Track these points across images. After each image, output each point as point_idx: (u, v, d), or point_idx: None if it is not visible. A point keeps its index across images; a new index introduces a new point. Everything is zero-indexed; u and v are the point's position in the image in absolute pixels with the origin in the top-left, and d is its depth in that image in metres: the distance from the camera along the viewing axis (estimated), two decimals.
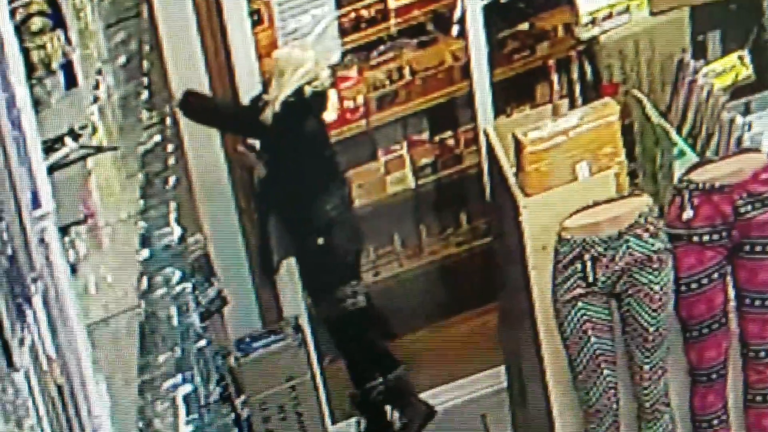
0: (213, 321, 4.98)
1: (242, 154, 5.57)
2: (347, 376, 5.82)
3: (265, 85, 5.42)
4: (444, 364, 6.03)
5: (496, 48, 5.85)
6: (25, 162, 2.22)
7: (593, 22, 5.55)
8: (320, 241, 5.45)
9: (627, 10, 5.52)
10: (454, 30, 5.83)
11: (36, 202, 2.28)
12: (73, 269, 2.83)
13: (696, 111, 4.81)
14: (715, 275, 4.52)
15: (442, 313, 6.19)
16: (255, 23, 5.50)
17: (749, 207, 4.46)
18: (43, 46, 3.30)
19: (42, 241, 2.29)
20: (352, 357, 5.80)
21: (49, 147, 3.01)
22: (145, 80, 4.16)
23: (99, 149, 3.30)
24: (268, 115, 5.29)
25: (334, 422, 5.92)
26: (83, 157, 3.15)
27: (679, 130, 4.81)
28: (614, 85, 5.52)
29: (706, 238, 4.48)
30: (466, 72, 5.86)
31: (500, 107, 5.87)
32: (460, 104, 6.00)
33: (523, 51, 5.93)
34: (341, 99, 5.79)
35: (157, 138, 4.01)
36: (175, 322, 3.54)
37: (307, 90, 5.30)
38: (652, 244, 4.42)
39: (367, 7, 5.72)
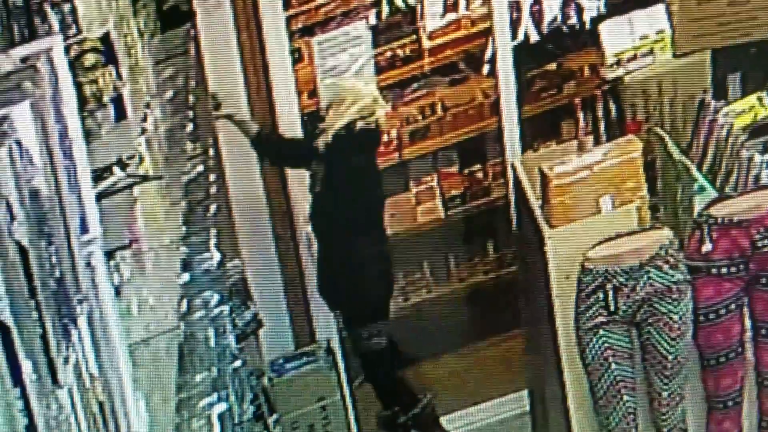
0: (248, 343, 4.97)
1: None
2: (375, 397, 5.84)
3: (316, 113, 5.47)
4: (469, 388, 6.05)
5: (524, 86, 5.90)
6: (75, 189, 2.25)
7: (618, 63, 5.59)
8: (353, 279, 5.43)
9: (651, 52, 5.57)
10: (485, 69, 5.89)
11: (84, 228, 2.30)
12: (117, 291, 2.84)
13: (716, 149, 4.85)
14: (733, 306, 4.58)
15: (468, 338, 6.19)
16: (296, 61, 5.59)
17: (766, 241, 4.51)
18: (95, 81, 3.33)
19: (89, 264, 2.32)
20: (378, 385, 5.84)
21: (98, 175, 3.05)
22: (191, 114, 4.20)
23: (145, 178, 3.34)
24: (320, 143, 5.34)
25: None
26: (130, 186, 3.19)
27: (699, 167, 4.86)
28: (638, 123, 5.56)
29: (724, 270, 4.54)
30: (495, 109, 5.91)
31: (528, 142, 5.91)
32: (489, 139, 6.04)
33: (550, 90, 5.97)
34: None
35: (200, 168, 4.05)
36: (212, 343, 3.58)
37: (359, 125, 5.32)
38: (672, 276, 4.49)
39: (402, 46, 5.79)
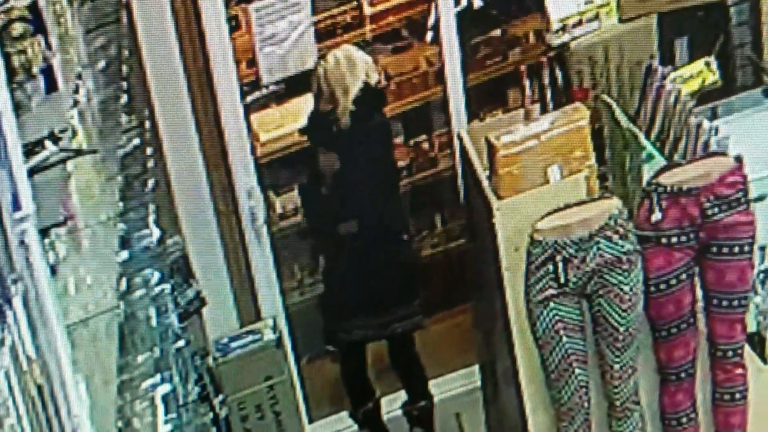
0: (192, 321, 4.96)
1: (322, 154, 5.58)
2: (326, 376, 5.85)
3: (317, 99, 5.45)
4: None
5: (469, 54, 5.88)
6: (5, 165, 2.25)
7: (564, 29, 5.58)
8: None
9: (596, 17, 5.57)
10: (429, 36, 5.87)
11: (16, 205, 2.30)
12: (53, 270, 2.83)
13: (664, 116, 4.84)
14: (683, 276, 4.58)
15: None
16: (233, 29, 5.53)
17: (716, 209, 4.52)
18: (23, 51, 3.28)
19: (22, 243, 2.31)
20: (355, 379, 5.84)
21: (30, 150, 3.02)
22: (125, 84, 4.15)
23: (79, 152, 3.31)
24: (345, 121, 5.35)
25: (311, 421, 5.92)
26: (63, 160, 3.16)
27: (647, 135, 4.84)
28: (584, 91, 5.55)
29: (674, 239, 4.53)
30: (440, 77, 5.88)
31: (474, 112, 5.90)
32: (434, 108, 6.03)
33: (495, 57, 5.97)
34: None
35: (136, 141, 4.00)
36: (154, 322, 3.56)
37: (372, 83, 5.40)
38: (622, 246, 4.48)
39: (343, 13, 5.77)
